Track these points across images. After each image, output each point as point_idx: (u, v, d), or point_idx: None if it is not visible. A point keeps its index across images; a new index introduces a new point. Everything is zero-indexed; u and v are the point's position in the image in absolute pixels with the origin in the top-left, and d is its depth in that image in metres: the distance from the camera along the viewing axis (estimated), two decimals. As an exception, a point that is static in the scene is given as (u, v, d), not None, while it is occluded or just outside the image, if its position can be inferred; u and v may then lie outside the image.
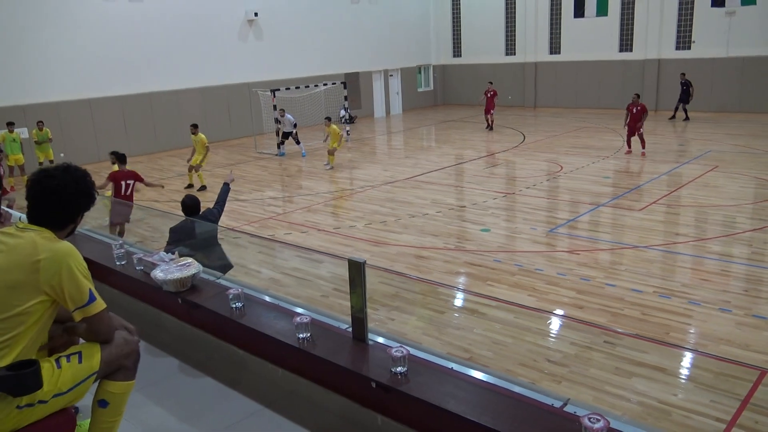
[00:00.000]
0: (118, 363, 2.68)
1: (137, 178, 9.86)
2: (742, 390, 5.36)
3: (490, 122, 22.06)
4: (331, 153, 16.43)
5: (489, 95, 21.79)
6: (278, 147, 19.06)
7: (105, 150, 18.78)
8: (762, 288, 7.71)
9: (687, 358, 6.30)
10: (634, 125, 16.11)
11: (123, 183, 9.66)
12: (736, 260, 8.71)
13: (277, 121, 19.04)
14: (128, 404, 2.81)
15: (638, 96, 16.74)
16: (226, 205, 6.70)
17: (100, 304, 2.55)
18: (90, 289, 2.49)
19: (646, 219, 10.73)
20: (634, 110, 16.12)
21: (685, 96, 21.60)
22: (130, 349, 2.75)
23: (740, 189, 12.52)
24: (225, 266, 5.94)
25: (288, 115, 18.81)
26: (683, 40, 23.62)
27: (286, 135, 18.86)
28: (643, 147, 16.17)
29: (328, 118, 16.84)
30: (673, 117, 22.18)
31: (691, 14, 23.20)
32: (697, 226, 10.50)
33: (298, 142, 18.75)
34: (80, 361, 2.57)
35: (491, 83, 22.72)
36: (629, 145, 16.55)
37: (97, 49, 18.36)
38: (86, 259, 2.61)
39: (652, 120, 22.50)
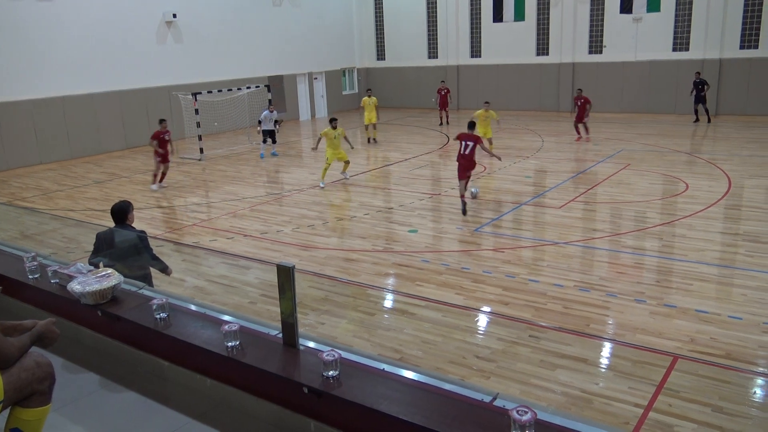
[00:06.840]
0: (30, 388, 2.50)
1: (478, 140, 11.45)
2: (657, 376, 5.67)
3: (444, 119, 24.25)
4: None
5: (443, 93, 23.95)
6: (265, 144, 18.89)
7: (12, 158, 17.83)
8: (672, 278, 8.19)
9: (606, 348, 6.60)
10: (581, 114, 18.92)
11: (463, 143, 11.37)
12: (648, 253, 9.20)
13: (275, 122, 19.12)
14: (45, 426, 2.66)
15: (581, 90, 19.46)
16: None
17: None
18: None
19: (565, 216, 11.16)
20: (578, 102, 18.93)
21: (700, 97, 20.94)
22: (44, 373, 2.55)
23: (650, 185, 13.24)
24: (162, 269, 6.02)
25: (265, 111, 19.00)
26: (595, 44, 24.75)
27: (270, 133, 18.87)
28: (587, 133, 19.15)
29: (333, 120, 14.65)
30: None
31: (602, 20, 24.36)
32: (612, 221, 11.02)
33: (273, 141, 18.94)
34: None
35: (443, 81, 25.33)
36: (577, 132, 19.23)
37: (2, 50, 17.29)
38: (-5, 274, 2.45)
39: (567, 121, 23.43)
